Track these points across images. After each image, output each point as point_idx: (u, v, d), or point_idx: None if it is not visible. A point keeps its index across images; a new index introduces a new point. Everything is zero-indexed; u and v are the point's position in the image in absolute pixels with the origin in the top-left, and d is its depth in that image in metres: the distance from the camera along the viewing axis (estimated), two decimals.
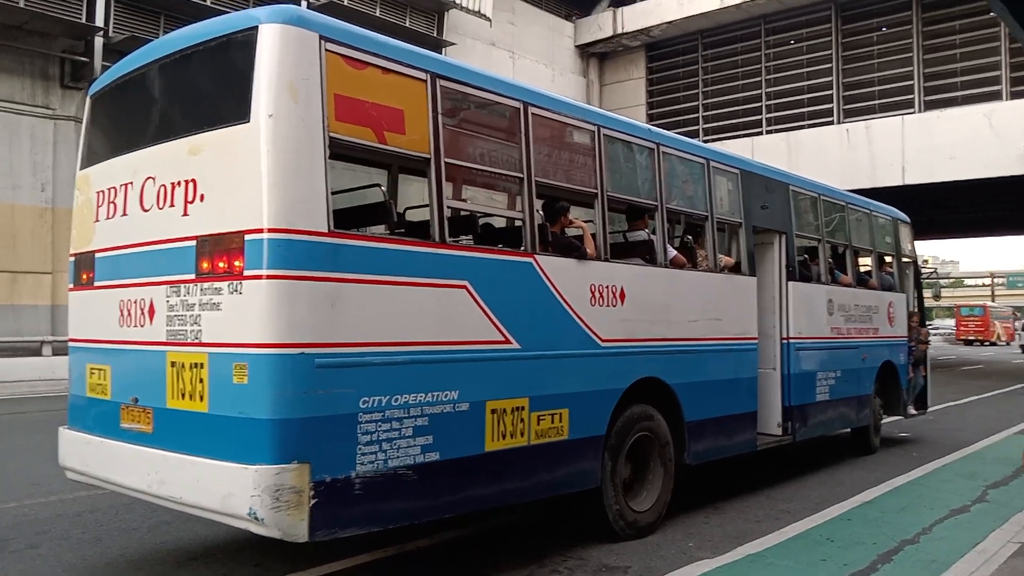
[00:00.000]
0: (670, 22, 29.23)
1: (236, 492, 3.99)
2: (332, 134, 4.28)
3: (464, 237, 5.55)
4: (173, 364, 4.44)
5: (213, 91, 4.73)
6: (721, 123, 29.64)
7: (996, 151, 23.17)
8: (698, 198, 7.27)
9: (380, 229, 4.94)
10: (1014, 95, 23.96)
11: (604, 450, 5.81)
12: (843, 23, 27.33)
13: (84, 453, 5.04)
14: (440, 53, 24.71)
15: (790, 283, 8.36)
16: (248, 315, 4.10)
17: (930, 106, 25.46)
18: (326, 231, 4.20)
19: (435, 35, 24.73)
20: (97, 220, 5.18)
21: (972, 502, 7.45)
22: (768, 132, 28.47)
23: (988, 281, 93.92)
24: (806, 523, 6.52)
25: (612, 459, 5.88)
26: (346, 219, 4.65)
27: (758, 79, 29.14)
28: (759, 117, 29.01)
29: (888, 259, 11.06)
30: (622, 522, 5.95)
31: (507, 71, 28.90)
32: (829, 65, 27.52)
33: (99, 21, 18.63)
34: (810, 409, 8.59)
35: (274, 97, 4.14)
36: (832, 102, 27.41)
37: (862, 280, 10.11)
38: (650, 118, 31.85)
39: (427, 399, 4.61)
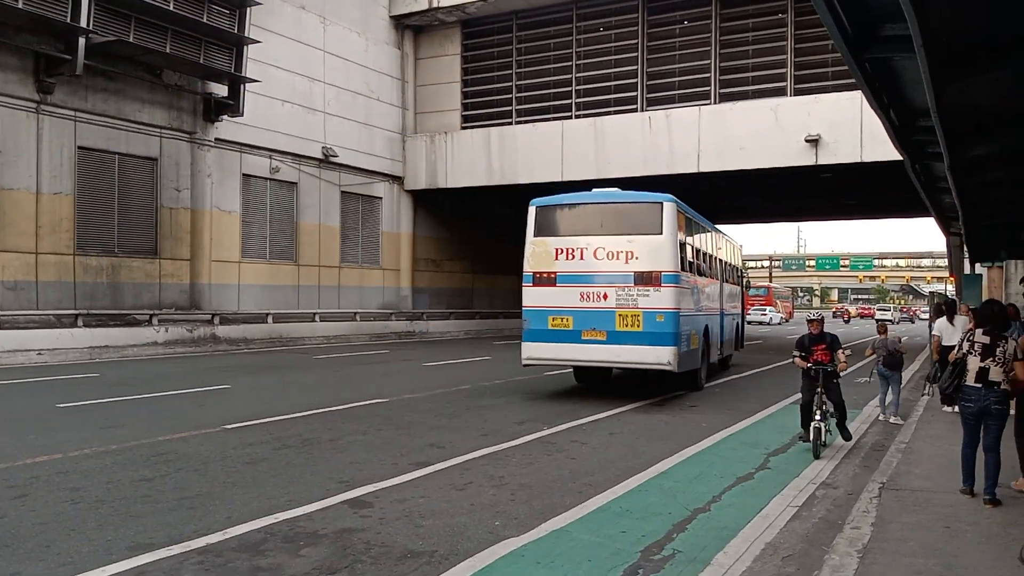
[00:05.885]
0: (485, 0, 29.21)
1: (663, 356, 12.34)
2: (679, 239, 12.99)
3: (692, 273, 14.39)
4: (620, 315, 12.41)
5: (641, 221, 12.78)
6: (534, 105, 30.14)
7: (780, 143, 25.14)
8: (724, 255, 18.69)
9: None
10: (797, 92, 26.06)
11: (701, 350, 14.51)
12: (649, 14, 28.50)
13: (553, 351, 12.91)
14: (244, 12, 23.27)
15: (725, 284, 18.43)
16: (663, 298, 12.35)
17: (724, 98, 27.17)
18: (680, 270, 12.74)
19: None
20: (556, 259, 12.84)
21: (756, 469, 7.99)
22: (577, 116, 29.28)
23: (767, 263, 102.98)
24: (607, 495, 6.70)
25: (703, 355, 14.68)
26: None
27: (569, 63, 29.83)
28: (569, 101, 29.74)
29: (736, 266, 21.73)
30: (700, 383, 14.56)
31: (318, 37, 27.68)
32: (635, 54, 28.64)
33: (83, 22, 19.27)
34: (726, 344, 18.28)
35: (670, 228, 12.60)
36: (637, 90, 28.58)
37: (734, 280, 20.53)
38: (465, 95, 31.78)
39: (689, 328, 13.38)
